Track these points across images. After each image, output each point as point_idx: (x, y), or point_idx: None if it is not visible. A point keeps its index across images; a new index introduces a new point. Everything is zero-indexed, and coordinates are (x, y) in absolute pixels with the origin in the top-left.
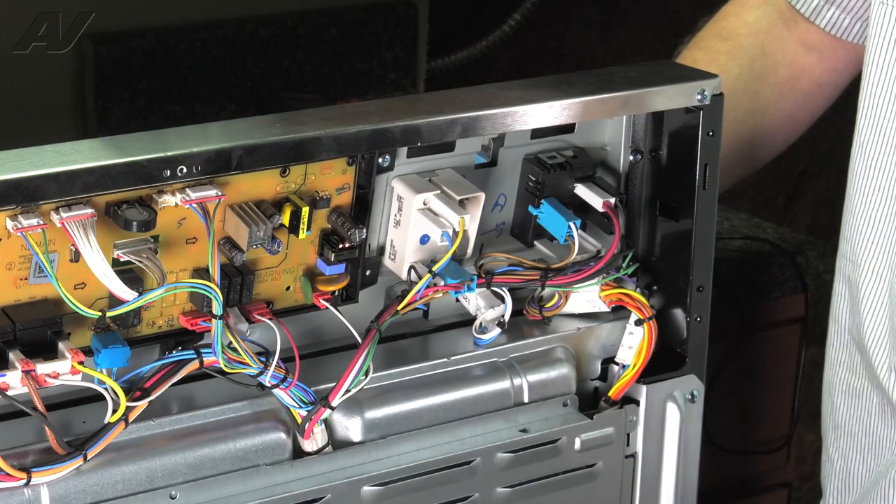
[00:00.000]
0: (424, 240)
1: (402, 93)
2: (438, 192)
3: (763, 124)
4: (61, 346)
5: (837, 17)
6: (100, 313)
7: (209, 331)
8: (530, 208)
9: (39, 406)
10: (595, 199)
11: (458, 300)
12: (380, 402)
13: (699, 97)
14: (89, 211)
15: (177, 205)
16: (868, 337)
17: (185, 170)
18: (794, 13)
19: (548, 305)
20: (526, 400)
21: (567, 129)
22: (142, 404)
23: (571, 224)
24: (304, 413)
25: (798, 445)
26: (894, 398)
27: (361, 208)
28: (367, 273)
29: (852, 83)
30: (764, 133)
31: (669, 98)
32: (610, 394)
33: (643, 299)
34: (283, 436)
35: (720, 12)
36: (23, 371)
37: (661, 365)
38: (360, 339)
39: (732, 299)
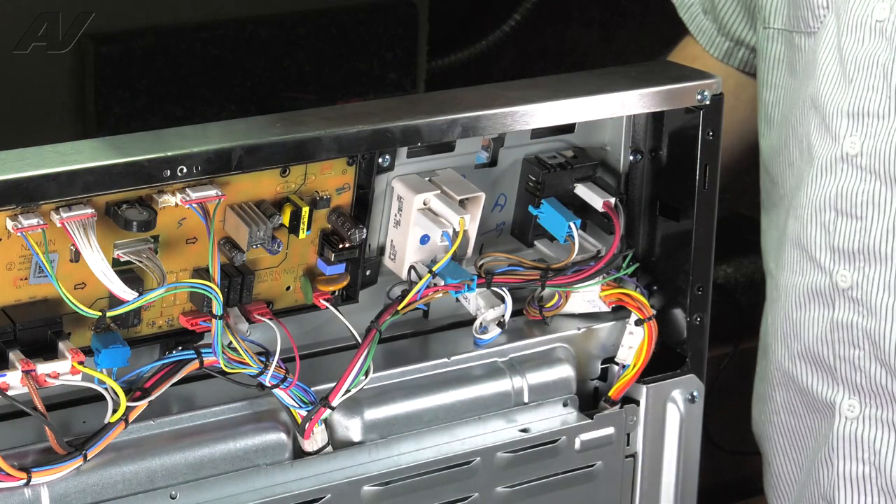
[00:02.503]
0: (424, 240)
1: (402, 93)
2: (438, 192)
3: (741, 137)
4: (61, 346)
5: (748, 57)
6: (100, 313)
7: (209, 331)
8: (530, 208)
9: (39, 406)
10: (595, 199)
11: (458, 300)
12: (380, 402)
13: (699, 97)
14: (89, 211)
15: (177, 205)
16: (770, 335)
17: (185, 170)
18: (716, 58)
19: (548, 305)
20: (526, 400)
21: (567, 129)
22: (142, 404)
23: (571, 224)
24: (304, 413)
25: None
26: (801, 383)
27: (361, 208)
28: (367, 273)
29: None
30: (741, 145)
31: (669, 98)
32: (610, 394)
33: (643, 299)
34: (283, 436)
35: (682, 42)
36: (23, 371)
37: (661, 365)
38: (360, 339)
39: (732, 299)
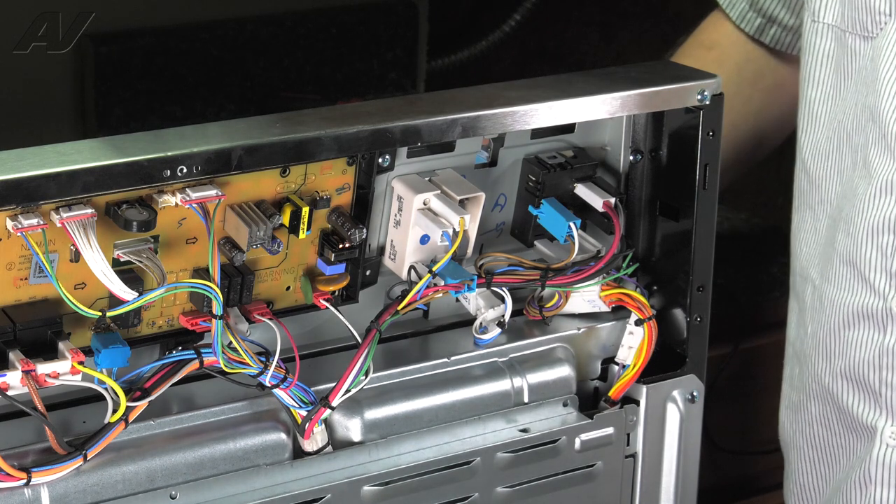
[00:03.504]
0: (424, 240)
1: (402, 93)
2: (438, 192)
3: (756, 128)
4: (61, 346)
5: (780, 35)
6: (100, 313)
7: (209, 331)
8: (530, 208)
9: (39, 406)
10: (595, 199)
11: (458, 300)
12: (380, 402)
13: (699, 97)
14: (89, 211)
15: (177, 205)
16: (809, 346)
17: (185, 170)
18: (746, 32)
19: (548, 305)
20: (526, 400)
21: (567, 129)
22: (142, 404)
23: (571, 224)
24: (304, 413)
25: None
26: (840, 401)
27: (361, 208)
28: (367, 273)
29: None
30: (757, 137)
31: (669, 98)
32: (610, 394)
33: (643, 299)
34: (283, 436)
35: (700, 26)
36: (23, 371)
37: (661, 365)
38: (360, 339)
39: (732, 299)
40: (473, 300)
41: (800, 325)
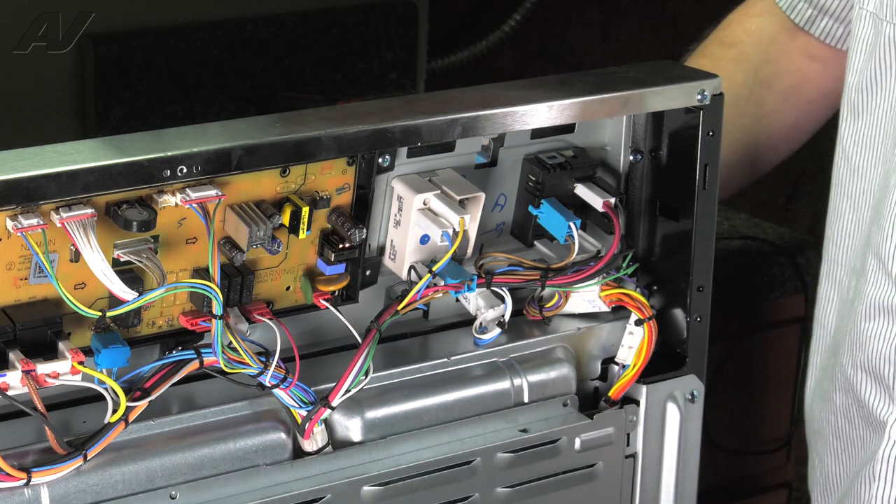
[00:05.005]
0: (424, 240)
1: (402, 93)
2: (438, 192)
3: (768, 131)
4: (61, 346)
5: (831, 27)
6: (100, 313)
7: (209, 331)
8: (530, 208)
9: (39, 406)
10: (595, 199)
11: (458, 300)
12: (380, 402)
13: (699, 97)
14: (89, 211)
15: (177, 205)
16: (841, 336)
17: (185, 170)
18: (795, 23)
19: (548, 305)
20: (526, 400)
21: (567, 129)
22: (142, 404)
23: (571, 224)
24: (304, 413)
25: (798, 445)
26: (859, 394)
27: (361, 208)
28: (367, 273)
29: None
30: (768, 140)
31: (669, 98)
32: (610, 394)
33: (643, 299)
34: (283, 436)
35: (724, 21)
36: (23, 371)
37: (661, 365)
38: (360, 339)
39: (732, 299)
40: (473, 300)
41: (839, 315)
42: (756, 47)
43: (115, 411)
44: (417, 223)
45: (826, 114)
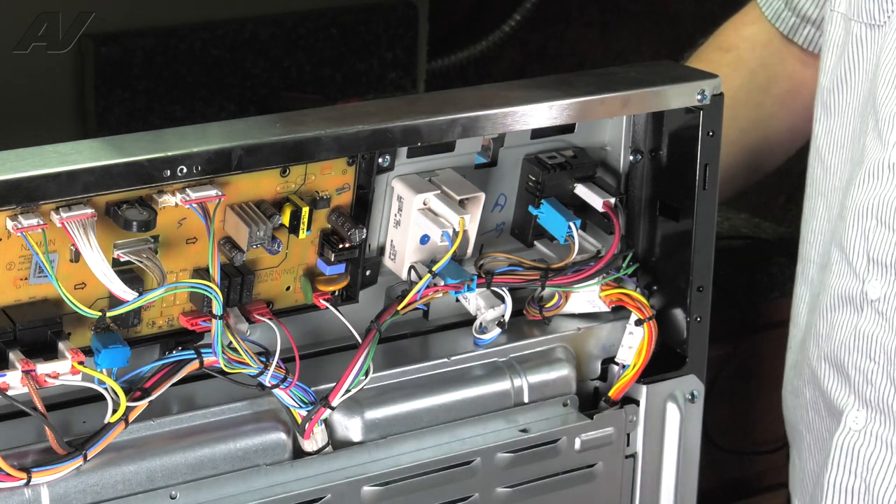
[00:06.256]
0: (424, 240)
1: (402, 93)
2: (438, 192)
3: (765, 135)
4: (61, 346)
5: (812, 35)
6: (100, 313)
7: (209, 331)
8: (530, 208)
9: (39, 406)
10: (595, 199)
11: (458, 300)
12: (380, 402)
13: (699, 97)
14: (89, 211)
15: (177, 205)
16: (807, 331)
17: (185, 170)
18: (781, 32)
19: (548, 305)
20: (526, 400)
21: (567, 129)
22: (142, 404)
23: (571, 224)
24: (304, 413)
25: None
26: (823, 385)
27: (361, 208)
28: (367, 273)
29: None
30: (766, 144)
31: (669, 98)
32: (610, 394)
33: (643, 299)
34: (283, 436)
35: (720, 28)
36: (23, 371)
37: (661, 365)
38: (360, 339)
39: (732, 299)
40: (473, 300)
41: (809, 310)
42: (751, 52)
43: (115, 411)
44: (417, 223)
45: None
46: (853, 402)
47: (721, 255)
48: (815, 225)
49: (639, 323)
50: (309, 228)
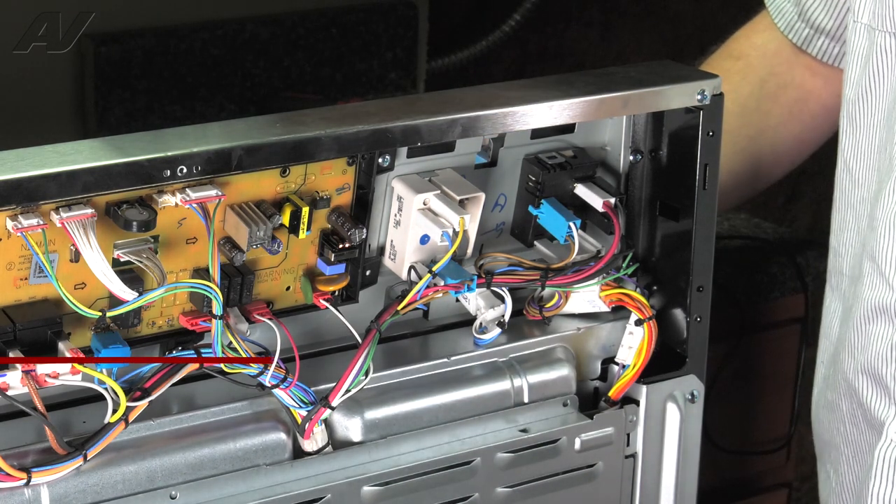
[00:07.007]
0: (424, 240)
1: (402, 93)
2: (438, 192)
3: (773, 143)
4: (61, 346)
5: (827, 46)
6: (100, 313)
7: (209, 331)
8: (530, 208)
9: (39, 406)
10: (595, 199)
11: (458, 300)
12: (380, 402)
13: (699, 97)
14: (89, 211)
15: (177, 205)
16: (840, 342)
17: (185, 170)
18: (794, 43)
19: (548, 305)
20: (526, 400)
21: (567, 129)
22: (142, 404)
23: (571, 224)
24: (304, 413)
25: (798, 445)
26: (861, 397)
27: (361, 208)
28: (367, 273)
29: None
30: (773, 152)
31: (669, 98)
32: (610, 394)
33: (643, 299)
34: (283, 436)
35: (732, 36)
36: (23, 371)
37: (661, 365)
38: (360, 339)
39: (732, 299)
40: (473, 300)
41: (841, 323)
42: (761, 61)
43: (115, 411)
44: (417, 223)
45: (830, 128)
46: (894, 413)
47: (721, 255)
48: (845, 237)
49: (639, 323)
50: (309, 228)
